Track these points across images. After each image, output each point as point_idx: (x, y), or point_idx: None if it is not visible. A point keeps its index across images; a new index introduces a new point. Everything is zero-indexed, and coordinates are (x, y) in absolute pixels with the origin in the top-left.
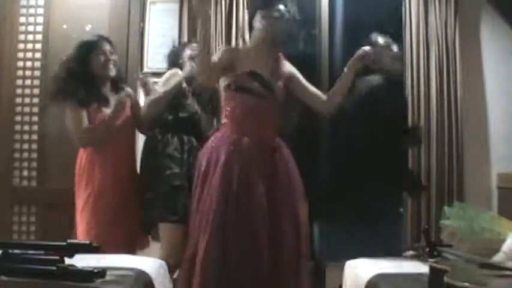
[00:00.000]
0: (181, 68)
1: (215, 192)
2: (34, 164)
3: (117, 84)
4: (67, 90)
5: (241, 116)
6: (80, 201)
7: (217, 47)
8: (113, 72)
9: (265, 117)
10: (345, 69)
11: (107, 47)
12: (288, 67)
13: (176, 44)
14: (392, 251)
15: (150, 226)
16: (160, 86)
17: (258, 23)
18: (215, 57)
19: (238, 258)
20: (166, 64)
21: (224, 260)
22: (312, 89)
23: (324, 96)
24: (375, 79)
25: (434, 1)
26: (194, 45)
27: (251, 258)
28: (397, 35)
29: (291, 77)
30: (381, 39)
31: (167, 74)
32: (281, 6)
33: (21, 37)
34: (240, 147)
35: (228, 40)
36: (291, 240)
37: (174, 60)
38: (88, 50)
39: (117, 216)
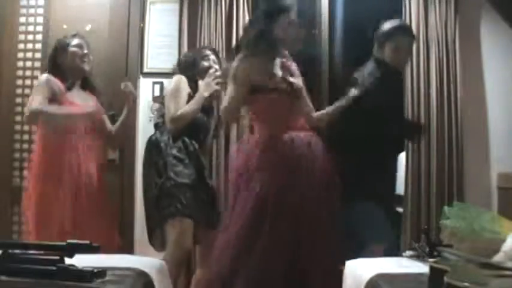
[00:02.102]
0: (193, 77)
1: (252, 197)
2: None
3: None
4: None
5: (269, 115)
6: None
7: (217, 48)
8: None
9: (292, 111)
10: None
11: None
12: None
13: (186, 50)
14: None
15: (155, 227)
16: (170, 96)
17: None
18: (232, 91)
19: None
20: (178, 70)
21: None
22: (307, 100)
23: (313, 113)
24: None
25: (434, 1)
26: (211, 56)
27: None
28: None
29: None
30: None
31: (175, 82)
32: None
33: (21, 37)
34: (273, 148)
35: (228, 40)
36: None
37: (188, 69)
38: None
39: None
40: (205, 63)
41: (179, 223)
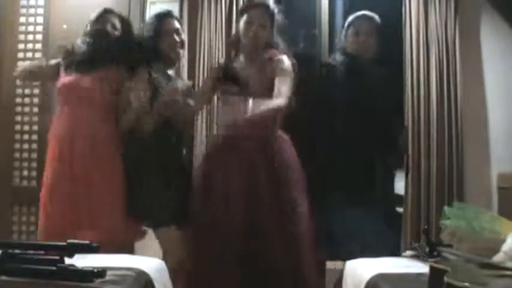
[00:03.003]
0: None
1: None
2: (34, 164)
3: None
4: None
5: (219, 117)
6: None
7: (217, 48)
8: None
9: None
10: None
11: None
12: (282, 64)
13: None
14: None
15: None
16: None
17: (242, 28)
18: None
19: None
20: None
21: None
22: (279, 88)
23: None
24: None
25: (434, 1)
26: (173, 23)
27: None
28: (397, 35)
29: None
30: None
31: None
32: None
33: (21, 37)
34: (220, 151)
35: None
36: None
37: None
38: None
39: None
40: (167, 39)
41: (164, 233)
